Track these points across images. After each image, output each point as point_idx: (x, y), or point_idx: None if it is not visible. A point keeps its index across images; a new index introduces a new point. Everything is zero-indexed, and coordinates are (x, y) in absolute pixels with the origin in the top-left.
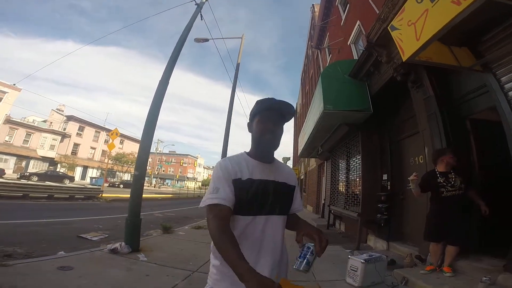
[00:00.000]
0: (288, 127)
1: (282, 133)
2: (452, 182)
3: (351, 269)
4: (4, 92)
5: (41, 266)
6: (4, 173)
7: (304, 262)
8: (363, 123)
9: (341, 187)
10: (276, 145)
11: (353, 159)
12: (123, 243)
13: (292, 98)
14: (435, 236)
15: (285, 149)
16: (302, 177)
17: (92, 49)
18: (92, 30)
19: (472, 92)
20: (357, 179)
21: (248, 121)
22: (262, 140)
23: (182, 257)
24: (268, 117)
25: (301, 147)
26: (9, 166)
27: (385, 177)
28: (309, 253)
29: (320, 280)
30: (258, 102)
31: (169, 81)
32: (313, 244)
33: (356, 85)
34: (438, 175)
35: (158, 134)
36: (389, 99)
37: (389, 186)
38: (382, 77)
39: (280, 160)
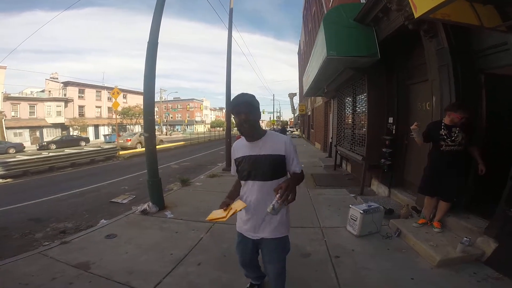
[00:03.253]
0: (294, 64)
1: (256, 116)
2: (453, 137)
3: (351, 218)
4: None
5: (92, 237)
6: (24, 147)
7: (271, 207)
8: (369, 67)
9: (347, 128)
10: (252, 130)
11: (359, 101)
12: (150, 203)
13: (295, 35)
14: (429, 189)
15: (291, 85)
16: (309, 113)
17: (66, 14)
18: None
19: (491, 47)
20: (363, 122)
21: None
22: (241, 130)
23: (203, 209)
24: (239, 111)
25: (305, 87)
26: (25, 139)
27: (390, 120)
28: (275, 202)
29: (323, 227)
30: (231, 101)
31: (158, 41)
32: None
33: (362, 30)
34: (443, 127)
35: (160, 83)
36: (399, 45)
37: (394, 130)
38: (392, 24)
39: (286, 95)
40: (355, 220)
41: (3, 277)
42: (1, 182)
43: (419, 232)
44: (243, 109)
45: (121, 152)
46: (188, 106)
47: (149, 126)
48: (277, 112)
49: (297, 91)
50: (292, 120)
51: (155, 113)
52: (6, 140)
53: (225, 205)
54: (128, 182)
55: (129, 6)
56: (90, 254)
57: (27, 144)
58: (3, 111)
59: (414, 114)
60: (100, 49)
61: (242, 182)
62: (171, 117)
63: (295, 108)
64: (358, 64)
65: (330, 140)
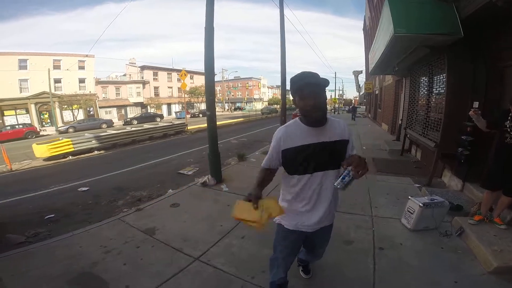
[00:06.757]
0: (359, 40)
1: (325, 98)
2: None
3: (408, 211)
4: (83, 61)
5: (160, 206)
6: (113, 122)
7: (340, 181)
8: (449, 46)
9: (421, 110)
10: (321, 115)
11: (437, 81)
12: (209, 176)
13: (359, 10)
14: (490, 183)
15: (356, 63)
16: (376, 92)
17: (135, 4)
18: None
19: None
20: (440, 104)
21: (291, 96)
22: (308, 116)
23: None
24: (308, 94)
25: (371, 65)
26: (114, 116)
27: (476, 105)
28: (347, 176)
29: (375, 216)
30: (292, 81)
31: (214, 26)
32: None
33: (439, 5)
34: (510, 118)
35: (221, 63)
36: (488, 23)
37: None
38: (476, 0)
39: (350, 73)
40: (412, 213)
41: (91, 239)
42: (96, 154)
43: (485, 234)
44: (310, 93)
45: (188, 127)
46: (247, 85)
47: (210, 105)
48: (339, 90)
49: (362, 68)
50: (357, 98)
51: (218, 92)
52: (100, 117)
53: (255, 199)
54: (194, 155)
55: None
56: (156, 220)
57: (115, 120)
58: (96, 93)
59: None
60: (168, 35)
61: (297, 177)
62: (232, 95)
63: (360, 86)
64: (434, 42)
65: (400, 122)
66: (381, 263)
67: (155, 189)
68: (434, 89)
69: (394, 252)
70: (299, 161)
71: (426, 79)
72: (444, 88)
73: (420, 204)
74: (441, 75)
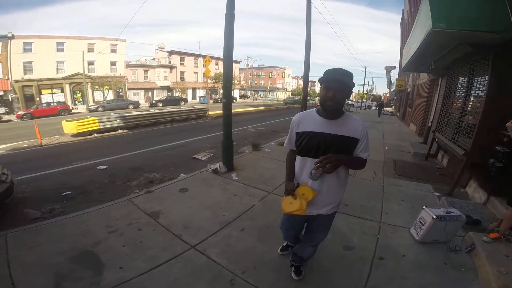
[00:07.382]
0: (396, 35)
1: (345, 96)
2: None
3: (420, 221)
4: (115, 45)
5: (170, 189)
6: (139, 104)
7: (312, 174)
8: (497, 45)
9: (454, 113)
10: (334, 107)
11: (477, 83)
12: (221, 163)
13: (397, 3)
14: None
15: (389, 58)
16: (408, 90)
17: None
18: None
19: None
20: (477, 108)
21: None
22: (324, 105)
23: (264, 177)
24: (329, 87)
25: (405, 61)
26: (141, 98)
27: None
28: (313, 169)
29: (383, 222)
30: (325, 72)
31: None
32: None
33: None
34: None
35: (246, 51)
36: None
37: None
38: None
39: (382, 68)
40: (423, 224)
41: (99, 219)
42: (120, 133)
43: (497, 254)
44: (334, 86)
45: (209, 113)
46: (270, 74)
47: (227, 93)
48: (368, 85)
49: (396, 64)
50: (387, 95)
51: (242, 79)
52: (128, 98)
53: (292, 193)
54: (210, 140)
55: None
56: (163, 204)
57: (142, 102)
58: (126, 76)
59: None
60: (194, 20)
61: (301, 158)
62: (256, 83)
63: (392, 82)
64: (479, 40)
65: (429, 124)
66: (376, 273)
67: (168, 172)
68: (472, 92)
69: (394, 263)
70: (305, 144)
71: (465, 80)
72: (484, 92)
73: (434, 216)
74: (483, 77)
